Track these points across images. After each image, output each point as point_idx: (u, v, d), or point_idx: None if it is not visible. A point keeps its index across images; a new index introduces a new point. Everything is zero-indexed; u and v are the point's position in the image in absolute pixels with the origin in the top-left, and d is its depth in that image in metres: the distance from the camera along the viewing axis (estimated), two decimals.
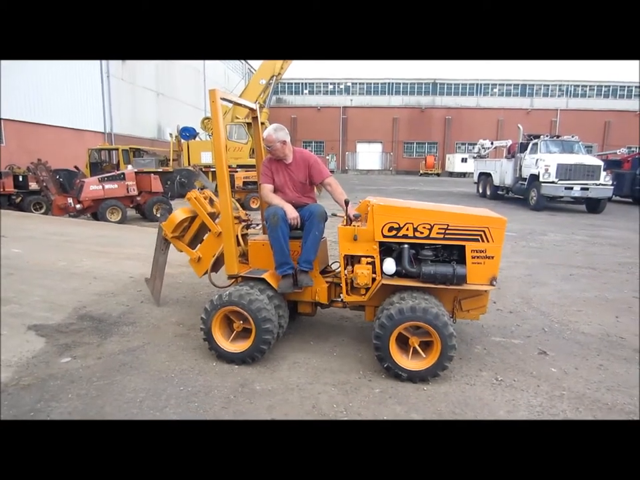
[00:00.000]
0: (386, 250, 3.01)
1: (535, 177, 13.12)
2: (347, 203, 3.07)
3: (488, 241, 2.84)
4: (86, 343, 3.35)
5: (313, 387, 2.78)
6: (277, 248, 3.10)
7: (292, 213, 3.12)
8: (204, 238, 3.78)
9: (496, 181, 16.34)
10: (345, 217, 3.15)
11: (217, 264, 3.61)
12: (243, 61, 41.48)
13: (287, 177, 3.35)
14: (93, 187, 9.77)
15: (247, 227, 3.64)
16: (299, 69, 41.66)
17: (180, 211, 3.66)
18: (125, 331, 3.59)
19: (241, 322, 3.04)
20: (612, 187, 13.01)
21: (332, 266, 3.64)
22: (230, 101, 3.46)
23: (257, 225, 3.77)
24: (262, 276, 3.13)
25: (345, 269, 3.04)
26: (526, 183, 13.73)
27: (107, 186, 9.93)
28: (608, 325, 3.96)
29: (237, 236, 3.37)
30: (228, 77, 37.50)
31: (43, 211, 10.78)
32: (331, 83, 45.79)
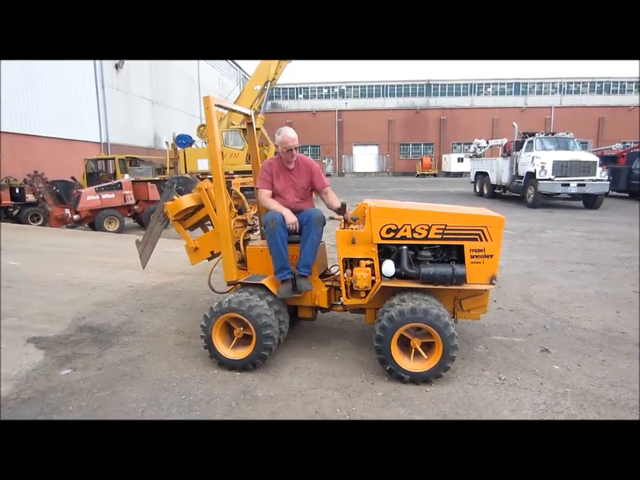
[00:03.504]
0: (384, 252, 3.01)
1: (531, 175, 13.17)
2: (344, 206, 3.07)
3: (486, 240, 2.84)
4: (86, 354, 3.33)
5: (315, 392, 2.76)
6: (275, 253, 3.09)
7: (290, 218, 3.11)
8: (206, 224, 3.65)
9: (493, 180, 16.39)
10: (343, 220, 3.14)
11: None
12: (237, 68, 41.62)
13: (289, 182, 3.34)
14: (90, 197, 9.76)
15: (251, 231, 3.61)
16: (293, 74, 41.93)
17: (188, 197, 3.49)
18: (124, 341, 3.57)
19: (242, 328, 3.03)
20: (608, 182, 13.05)
21: (331, 269, 3.63)
22: (225, 108, 3.46)
23: (256, 230, 3.76)
24: (261, 282, 3.11)
25: (344, 272, 3.03)
26: (522, 181, 13.77)
27: (104, 196, 9.92)
28: (609, 320, 3.95)
29: (239, 241, 3.34)
30: (222, 83, 37.59)
31: (40, 222, 10.76)
32: (325, 87, 45.98)
